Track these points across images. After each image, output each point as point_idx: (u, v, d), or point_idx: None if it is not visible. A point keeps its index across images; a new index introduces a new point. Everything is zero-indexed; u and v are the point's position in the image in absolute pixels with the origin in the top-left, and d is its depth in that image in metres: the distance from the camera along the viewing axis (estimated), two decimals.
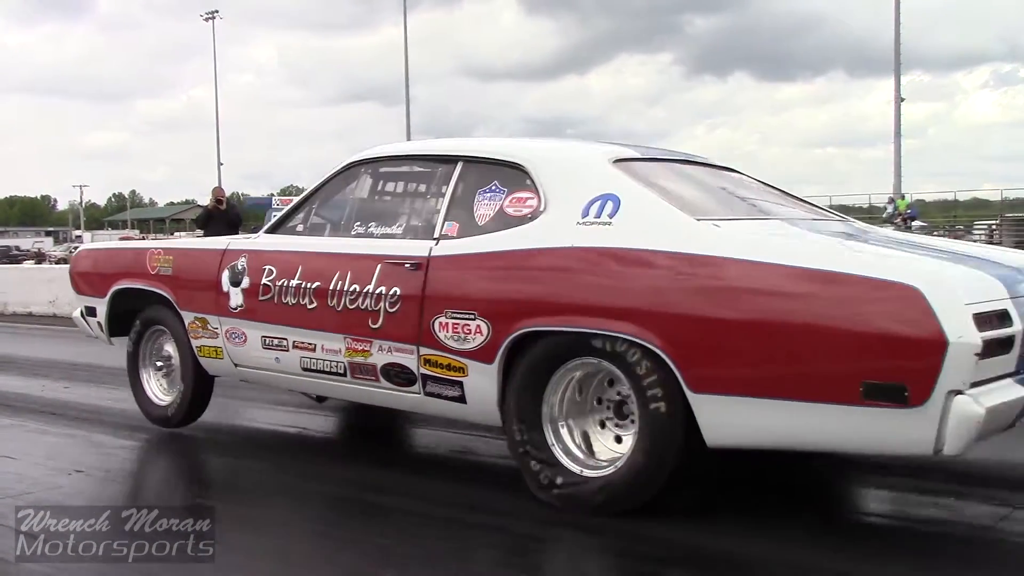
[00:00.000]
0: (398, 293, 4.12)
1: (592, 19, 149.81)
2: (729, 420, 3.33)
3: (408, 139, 42.67)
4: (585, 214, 3.74)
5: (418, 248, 4.16)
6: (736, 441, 3.38)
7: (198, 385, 5.26)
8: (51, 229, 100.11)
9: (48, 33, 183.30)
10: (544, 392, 3.79)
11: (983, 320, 3.02)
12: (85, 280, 5.91)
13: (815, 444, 3.37)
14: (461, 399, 4.01)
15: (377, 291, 4.19)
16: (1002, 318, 3.13)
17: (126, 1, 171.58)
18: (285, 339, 4.63)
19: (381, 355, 4.21)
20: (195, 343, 5.12)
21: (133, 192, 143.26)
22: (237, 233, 10.50)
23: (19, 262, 39.06)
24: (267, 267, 4.72)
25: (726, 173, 4.66)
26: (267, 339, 4.72)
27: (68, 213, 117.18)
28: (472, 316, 3.87)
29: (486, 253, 3.95)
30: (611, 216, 3.68)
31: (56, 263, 44.82)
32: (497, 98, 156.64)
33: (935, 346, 2.92)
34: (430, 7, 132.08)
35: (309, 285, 4.48)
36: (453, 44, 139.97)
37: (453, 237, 4.11)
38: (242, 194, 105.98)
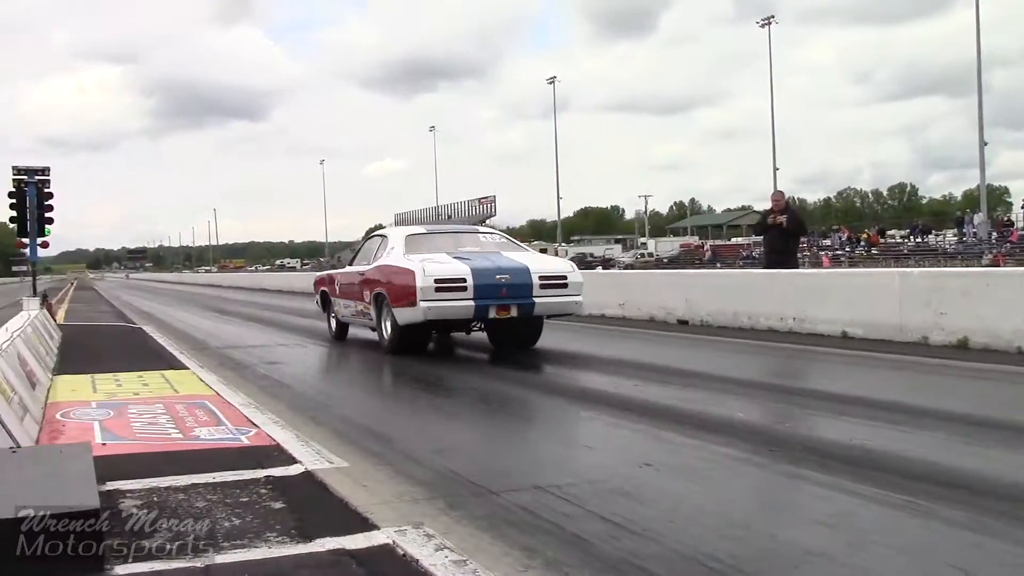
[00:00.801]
0: (359, 283, 11.72)
1: None
2: (399, 315, 10.38)
3: (980, 130, 44.65)
4: (387, 255, 11.20)
5: (365, 268, 11.69)
6: (403, 322, 10.41)
7: (340, 326, 13.17)
8: (619, 237, 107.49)
9: (620, 54, 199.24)
10: (381, 311, 10.94)
11: (440, 281, 10.07)
12: (315, 285, 14.58)
13: (409, 322, 10.38)
14: (371, 320, 11.33)
15: (359, 282, 11.74)
16: (460, 280, 10.12)
17: (686, 17, 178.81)
18: (347, 304, 12.37)
19: (362, 308, 11.62)
20: (333, 309, 13.17)
21: (692, 200, 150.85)
22: (797, 240, 15.21)
23: (592, 268, 43.92)
24: (341, 278, 12.72)
25: (475, 234, 12.07)
26: (344, 304, 12.49)
27: (635, 222, 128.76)
28: (368, 291, 11.36)
29: (371, 268, 11.48)
30: (388, 255, 11.24)
31: (624, 268, 47.76)
32: None
33: (413, 289, 10.16)
34: None
35: (349, 282, 12.25)
36: None
37: (371, 265, 11.55)
38: (798, 198, 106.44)
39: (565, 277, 10.77)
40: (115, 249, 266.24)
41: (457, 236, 12.12)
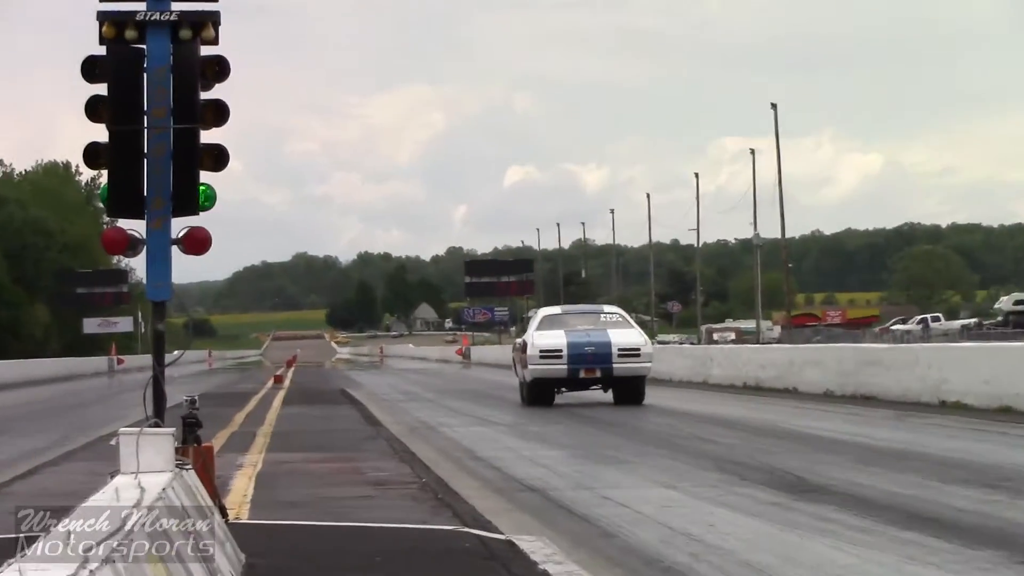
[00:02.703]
0: (517, 351, 20.17)
1: None
2: (524, 374, 18.80)
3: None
4: (528, 331, 19.57)
5: (519, 341, 21.18)
6: (528, 380, 18.76)
7: (521, 383, 19.49)
8: None
9: None
10: (524, 367, 18.91)
11: (544, 350, 17.86)
12: (513, 359, 21.32)
13: (529, 379, 18.68)
14: (522, 378, 19.65)
15: (517, 350, 20.22)
16: (557, 350, 17.74)
17: None
18: (519, 367, 19.48)
19: (519, 369, 19.49)
20: (518, 369, 19.82)
21: None
22: None
23: None
24: (516, 349, 20.72)
25: (598, 315, 20.02)
26: (518, 368, 19.67)
27: None
28: (519, 357, 19.47)
29: (520, 340, 20.64)
30: (529, 330, 19.68)
31: None
32: None
33: (527, 357, 18.40)
34: None
35: (516, 350, 20.62)
36: None
37: (521, 338, 20.97)
38: None
39: (639, 349, 17.68)
40: (424, 259, 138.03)
41: (581, 316, 19.79)
